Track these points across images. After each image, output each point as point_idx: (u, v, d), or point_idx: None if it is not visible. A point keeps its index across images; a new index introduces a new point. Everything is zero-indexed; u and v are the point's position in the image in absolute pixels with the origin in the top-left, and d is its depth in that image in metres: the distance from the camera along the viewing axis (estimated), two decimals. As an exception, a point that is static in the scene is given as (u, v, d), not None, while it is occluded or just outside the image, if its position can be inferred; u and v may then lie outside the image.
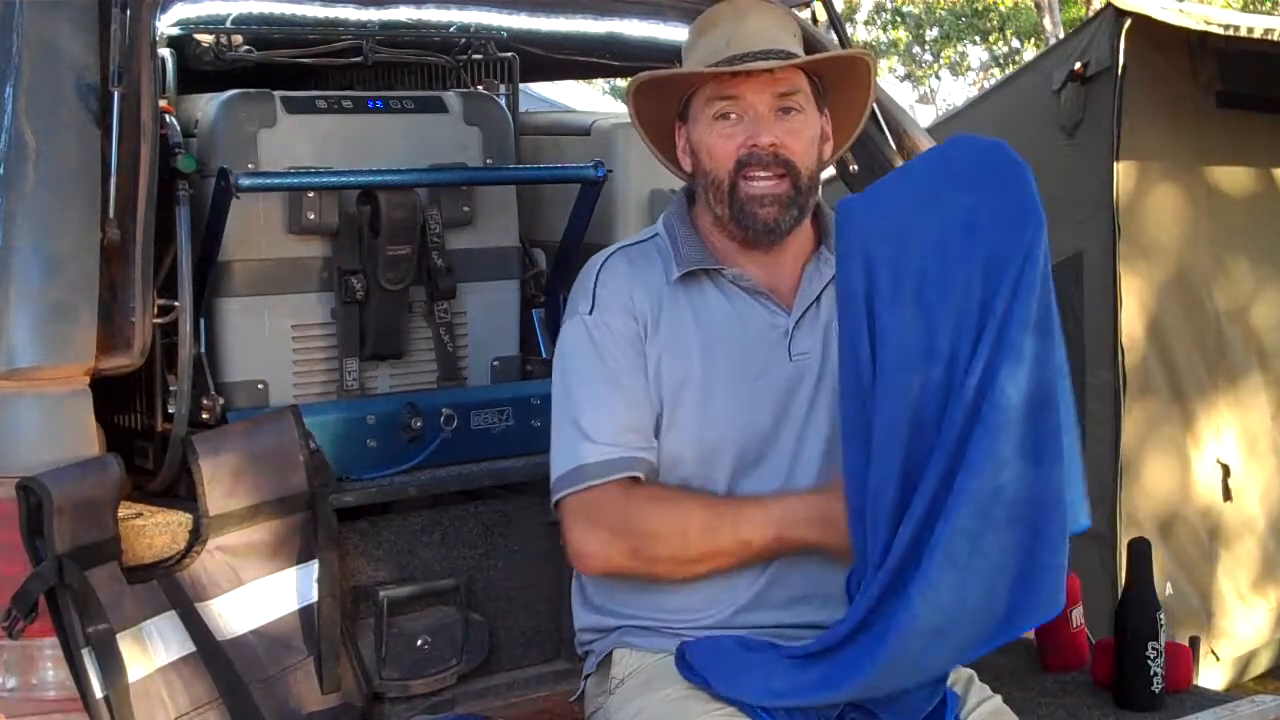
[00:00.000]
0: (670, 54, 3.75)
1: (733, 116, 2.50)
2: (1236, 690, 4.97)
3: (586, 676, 2.66)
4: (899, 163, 3.37)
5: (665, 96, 2.60)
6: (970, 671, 2.52)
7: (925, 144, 3.41)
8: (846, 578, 2.38)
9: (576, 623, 2.68)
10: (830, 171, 3.34)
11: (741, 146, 2.49)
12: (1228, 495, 5.21)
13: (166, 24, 3.00)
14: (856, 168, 3.41)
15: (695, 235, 2.58)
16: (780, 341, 2.55)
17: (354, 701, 2.75)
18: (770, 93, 2.49)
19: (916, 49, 22.95)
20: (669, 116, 2.61)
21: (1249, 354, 5.32)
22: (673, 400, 2.50)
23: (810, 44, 2.86)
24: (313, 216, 2.97)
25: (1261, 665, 5.37)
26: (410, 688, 2.87)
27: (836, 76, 2.61)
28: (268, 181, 2.89)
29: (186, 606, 2.57)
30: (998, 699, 2.50)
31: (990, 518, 2.17)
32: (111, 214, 2.50)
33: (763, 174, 2.49)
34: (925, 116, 13.32)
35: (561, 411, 2.51)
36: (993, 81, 16.53)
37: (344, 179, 2.99)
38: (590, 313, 2.52)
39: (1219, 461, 5.19)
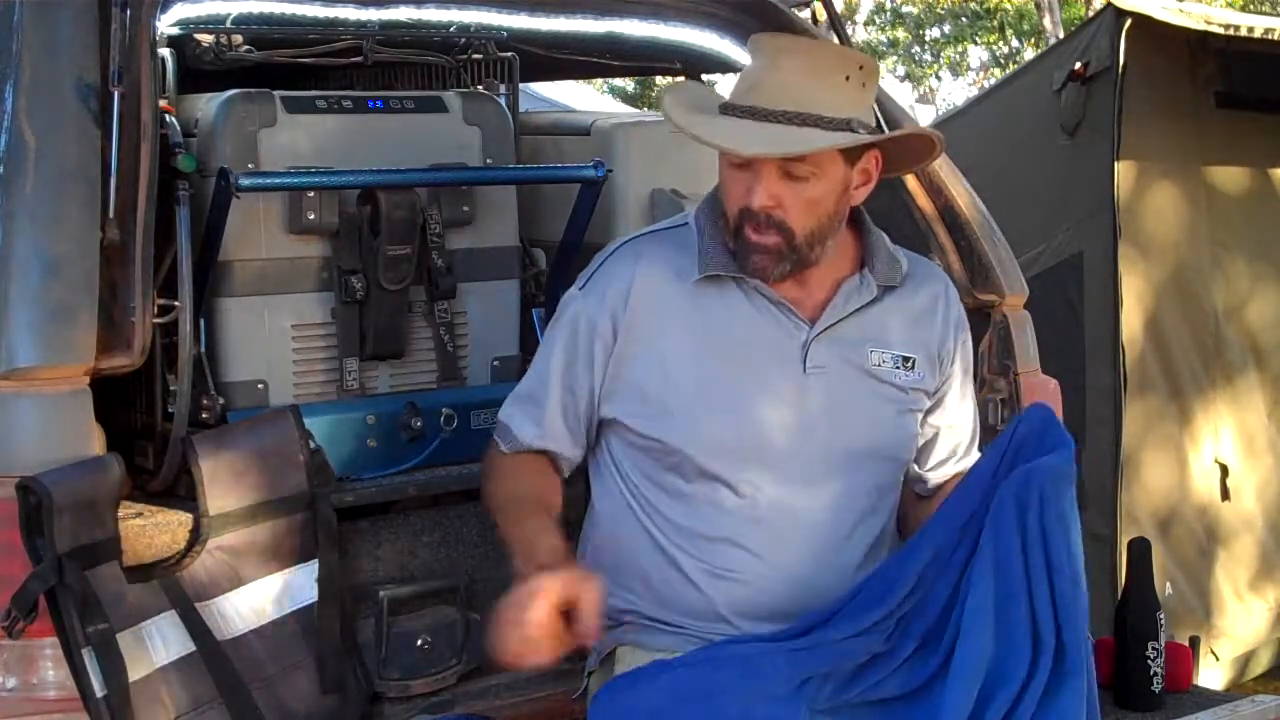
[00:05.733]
0: (670, 54, 3.76)
1: (739, 162, 2.45)
2: (1236, 690, 4.97)
3: (589, 674, 2.66)
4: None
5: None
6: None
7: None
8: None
9: (577, 610, 2.68)
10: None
11: (742, 198, 2.45)
12: (1225, 494, 5.20)
13: (166, 24, 2.99)
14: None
15: (723, 237, 2.57)
16: (796, 352, 2.54)
17: (354, 701, 2.75)
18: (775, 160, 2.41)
19: (916, 49, 22.96)
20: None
21: (1245, 352, 5.32)
22: (666, 392, 2.50)
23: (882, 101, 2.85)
24: (313, 216, 2.97)
25: (1261, 665, 5.36)
26: (410, 688, 2.87)
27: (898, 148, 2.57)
28: (268, 181, 2.89)
29: (186, 606, 2.57)
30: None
31: None
32: (111, 214, 2.49)
33: (754, 230, 2.45)
34: (925, 116, 13.32)
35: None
36: (993, 81, 16.53)
37: (344, 179, 2.99)
38: (581, 289, 2.60)
39: (1217, 461, 5.19)
